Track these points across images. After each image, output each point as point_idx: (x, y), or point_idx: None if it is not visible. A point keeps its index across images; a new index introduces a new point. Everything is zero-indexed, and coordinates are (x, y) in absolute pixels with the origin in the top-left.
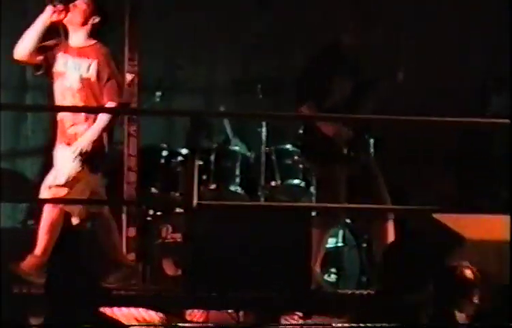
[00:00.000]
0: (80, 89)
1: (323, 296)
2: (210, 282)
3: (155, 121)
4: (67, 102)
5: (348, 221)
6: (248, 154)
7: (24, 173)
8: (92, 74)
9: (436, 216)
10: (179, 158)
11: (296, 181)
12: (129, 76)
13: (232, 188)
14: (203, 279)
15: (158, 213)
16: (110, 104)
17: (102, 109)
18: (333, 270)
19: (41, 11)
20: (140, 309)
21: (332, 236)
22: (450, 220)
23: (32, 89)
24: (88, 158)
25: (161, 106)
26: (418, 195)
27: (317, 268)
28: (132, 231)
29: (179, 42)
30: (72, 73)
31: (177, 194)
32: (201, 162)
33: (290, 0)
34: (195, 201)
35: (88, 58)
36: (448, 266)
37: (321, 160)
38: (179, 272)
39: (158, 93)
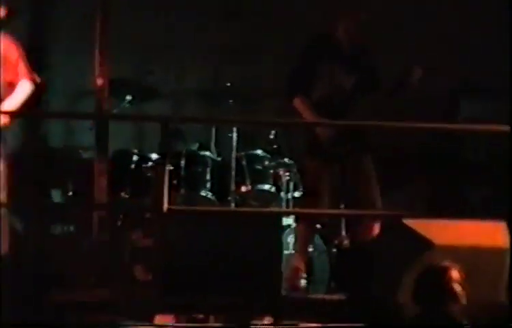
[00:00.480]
0: None
1: (293, 301)
2: (181, 287)
3: (125, 126)
4: None
5: (318, 226)
6: (219, 159)
7: None
8: None
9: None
10: (150, 163)
11: (267, 186)
12: (99, 81)
13: (202, 193)
14: (174, 284)
15: (129, 218)
16: (24, 82)
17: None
18: (303, 275)
19: None
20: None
21: None
22: (420, 225)
23: None
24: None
25: (131, 110)
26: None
27: (302, 267)
28: (103, 236)
29: (150, 47)
30: None
31: (148, 199)
32: (171, 167)
33: (259, 8)
34: (165, 206)
35: None
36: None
37: (306, 158)
38: (150, 277)
39: (128, 98)
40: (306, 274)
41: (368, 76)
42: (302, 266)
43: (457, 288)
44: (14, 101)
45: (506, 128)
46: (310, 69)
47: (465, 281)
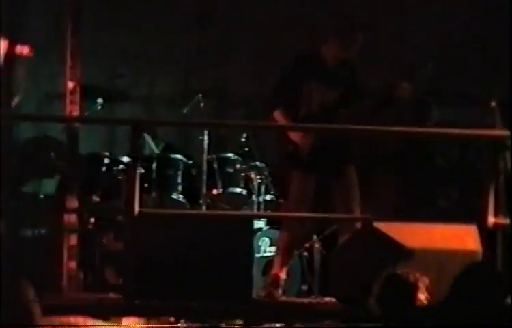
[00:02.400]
0: None
1: (263, 304)
2: (151, 290)
3: (96, 129)
4: None
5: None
6: (190, 162)
7: None
8: None
9: (378, 225)
10: (121, 166)
11: (238, 189)
12: (70, 84)
13: (174, 196)
14: (145, 287)
15: (100, 221)
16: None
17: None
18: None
19: None
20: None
21: (273, 245)
22: (391, 229)
23: None
24: None
25: (102, 114)
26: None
27: (283, 275)
28: (74, 239)
29: (120, 51)
30: None
31: (119, 202)
32: (142, 170)
33: (228, 13)
34: (137, 209)
35: None
36: (393, 273)
37: (287, 168)
38: (121, 280)
39: (100, 101)
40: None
41: (351, 90)
42: (282, 274)
43: (421, 295)
44: None
45: (505, 132)
46: (294, 85)
47: (432, 288)
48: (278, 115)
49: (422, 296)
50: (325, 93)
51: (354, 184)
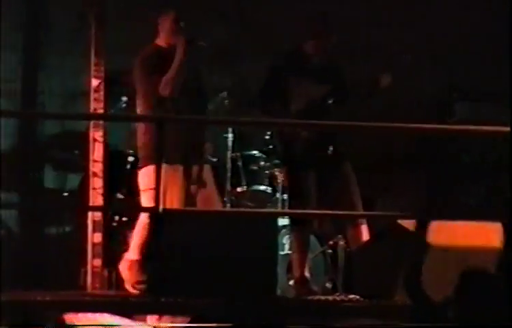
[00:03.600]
0: None
1: (287, 302)
2: (176, 287)
3: (121, 127)
4: None
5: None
6: (214, 159)
7: None
8: None
9: (402, 221)
10: None
11: (262, 187)
12: (95, 82)
13: None
14: (169, 284)
15: (124, 219)
16: None
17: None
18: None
19: None
20: (106, 315)
21: None
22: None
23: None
24: None
25: (127, 111)
26: (384, 201)
27: (307, 274)
28: (98, 237)
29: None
30: None
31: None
32: None
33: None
34: (161, 206)
35: None
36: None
37: (290, 163)
38: (145, 277)
39: (124, 99)
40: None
41: (338, 85)
42: (306, 272)
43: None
44: None
45: (505, 129)
46: (281, 84)
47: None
48: (268, 114)
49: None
50: (312, 89)
51: (353, 179)
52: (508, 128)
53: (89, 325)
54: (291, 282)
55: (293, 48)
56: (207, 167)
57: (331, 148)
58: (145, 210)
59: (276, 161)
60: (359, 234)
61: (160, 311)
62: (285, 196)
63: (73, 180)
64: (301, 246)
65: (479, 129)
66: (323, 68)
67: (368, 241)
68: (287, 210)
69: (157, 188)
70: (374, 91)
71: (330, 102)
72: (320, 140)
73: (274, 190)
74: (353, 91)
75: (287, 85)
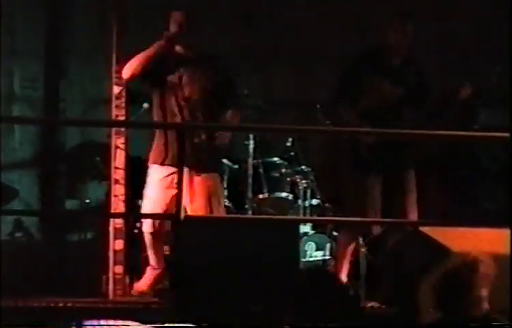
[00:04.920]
0: None
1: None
2: (198, 295)
3: (142, 134)
4: None
5: (335, 233)
6: (236, 166)
7: (11, 186)
8: None
9: (424, 229)
10: None
11: (284, 194)
12: (116, 89)
13: None
14: (191, 292)
15: None
16: None
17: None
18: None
19: None
20: (129, 322)
21: (319, 249)
22: (437, 233)
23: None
24: None
25: (148, 118)
26: None
27: (344, 279)
28: (120, 244)
29: None
30: None
31: None
32: None
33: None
34: (182, 214)
35: None
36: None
37: (348, 168)
38: (167, 284)
39: (145, 105)
40: None
41: (415, 90)
42: (343, 276)
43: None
44: None
45: (505, 134)
46: (358, 81)
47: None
48: (342, 109)
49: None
50: (387, 89)
51: (413, 189)
52: (507, 134)
53: None
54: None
55: (374, 46)
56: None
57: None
58: (167, 217)
59: (298, 168)
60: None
61: (183, 318)
62: (307, 203)
63: (94, 187)
64: (344, 253)
65: (479, 135)
66: (402, 70)
67: (389, 248)
68: (308, 216)
69: (179, 194)
70: (454, 102)
71: (408, 107)
72: (386, 144)
73: (296, 197)
74: (431, 99)
75: (366, 83)
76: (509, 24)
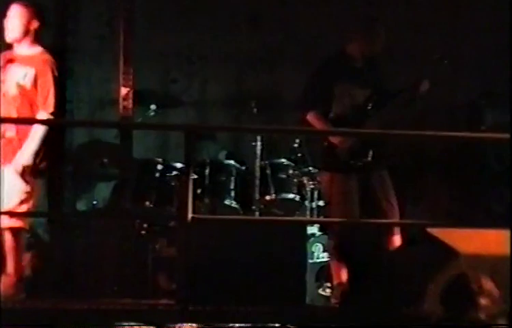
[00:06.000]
0: (16, 96)
1: (318, 310)
2: (205, 296)
3: (150, 135)
4: (3, 109)
5: None
6: (243, 168)
7: None
8: (27, 82)
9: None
10: (174, 172)
11: (291, 195)
12: (124, 90)
13: (227, 202)
14: (198, 292)
15: (153, 227)
16: (43, 114)
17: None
18: (328, 284)
19: None
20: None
21: (326, 250)
22: (444, 234)
23: None
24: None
25: (156, 119)
26: (413, 209)
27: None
28: (127, 245)
29: (173, 56)
30: (10, 80)
31: (172, 208)
32: (195, 176)
33: (281, 17)
34: (190, 215)
35: (27, 66)
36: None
37: (327, 170)
38: (174, 285)
39: (153, 107)
40: (323, 284)
41: (380, 89)
42: (344, 277)
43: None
44: (33, 142)
45: (505, 135)
46: (325, 87)
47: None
48: (312, 117)
49: (485, 301)
50: (355, 93)
51: (391, 187)
52: (507, 135)
53: None
54: (321, 290)
55: (338, 51)
56: None
57: (371, 154)
58: (173, 218)
59: (305, 169)
60: (393, 242)
61: (188, 319)
62: (314, 204)
63: (102, 188)
64: (337, 253)
65: (479, 136)
66: (365, 72)
67: (396, 249)
68: (315, 218)
69: (185, 198)
70: (414, 97)
71: (370, 106)
72: (360, 146)
73: (303, 199)
74: (392, 96)
75: (331, 89)
76: (509, 24)
